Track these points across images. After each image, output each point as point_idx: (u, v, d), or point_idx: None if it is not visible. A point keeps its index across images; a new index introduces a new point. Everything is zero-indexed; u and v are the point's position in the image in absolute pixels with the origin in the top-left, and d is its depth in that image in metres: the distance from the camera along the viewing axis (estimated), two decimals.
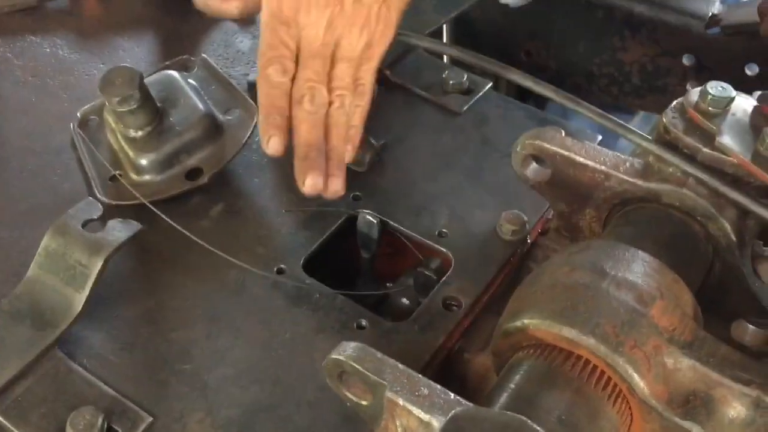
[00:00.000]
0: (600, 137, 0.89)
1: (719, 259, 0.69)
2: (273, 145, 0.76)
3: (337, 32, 0.76)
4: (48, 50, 0.99)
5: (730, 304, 0.70)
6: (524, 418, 0.47)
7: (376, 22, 0.76)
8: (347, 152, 0.79)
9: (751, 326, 0.59)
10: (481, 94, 0.95)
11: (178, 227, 0.75)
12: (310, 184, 0.76)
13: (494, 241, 0.79)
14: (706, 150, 0.65)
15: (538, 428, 0.46)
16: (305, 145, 0.77)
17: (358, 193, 0.83)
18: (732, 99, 0.66)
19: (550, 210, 0.80)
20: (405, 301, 0.82)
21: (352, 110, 0.78)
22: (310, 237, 0.79)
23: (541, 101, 1.10)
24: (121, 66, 0.80)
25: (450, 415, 0.47)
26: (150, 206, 0.76)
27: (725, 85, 0.67)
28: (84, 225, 0.70)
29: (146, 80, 0.82)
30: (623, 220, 0.71)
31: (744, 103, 0.67)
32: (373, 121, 0.87)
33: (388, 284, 0.85)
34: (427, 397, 0.54)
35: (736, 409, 0.55)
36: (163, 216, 0.75)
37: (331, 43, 0.77)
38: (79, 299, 0.68)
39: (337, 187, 0.77)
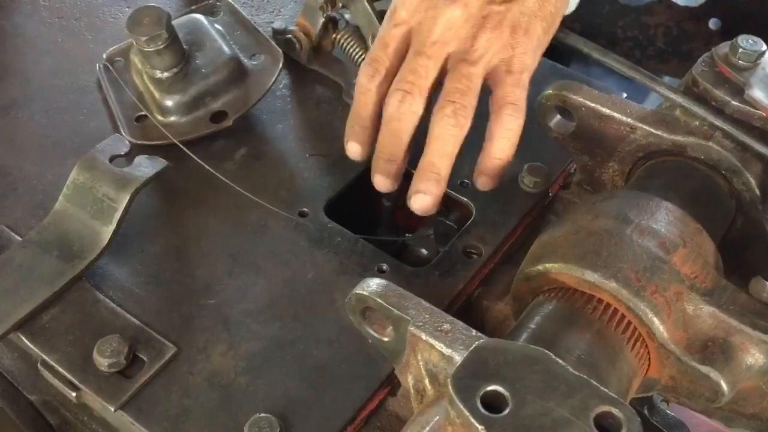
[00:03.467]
0: (625, 95, 0.89)
1: (742, 214, 0.69)
2: (350, 150, 0.74)
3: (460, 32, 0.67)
4: None
5: (749, 260, 0.70)
6: (547, 351, 0.48)
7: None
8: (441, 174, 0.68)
9: None
10: None
11: (207, 167, 0.75)
12: (376, 182, 0.72)
13: (516, 192, 0.79)
14: (734, 103, 0.65)
15: (561, 361, 0.47)
16: (378, 151, 0.71)
17: None
18: (762, 53, 0.66)
19: (572, 164, 0.80)
20: (424, 251, 0.83)
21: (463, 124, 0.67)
22: (333, 182, 0.79)
23: (565, 61, 1.09)
24: (149, 5, 0.80)
25: (473, 346, 0.48)
26: (180, 145, 0.77)
27: (756, 38, 0.66)
28: (111, 160, 0.71)
29: (173, 23, 0.82)
30: (647, 173, 0.71)
31: None
32: None
33: (407, 234, 0.86)
34: (449, 332, 0.54)
35: (754, 356, 0.56)
36: (192, 155, 0.76)
37: (450, 41, 0.67)
38: (106, 232, 0.69)
39: (421, 204, 0.69)
